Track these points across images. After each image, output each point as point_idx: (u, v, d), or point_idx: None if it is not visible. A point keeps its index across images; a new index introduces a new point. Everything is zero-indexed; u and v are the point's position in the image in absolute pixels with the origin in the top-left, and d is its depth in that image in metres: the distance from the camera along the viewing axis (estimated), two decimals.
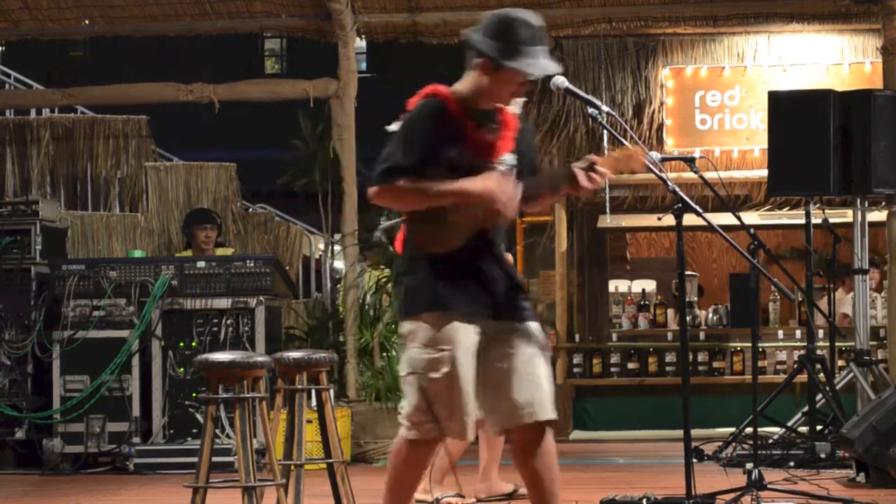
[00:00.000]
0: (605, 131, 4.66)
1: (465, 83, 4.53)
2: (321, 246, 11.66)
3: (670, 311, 12.59)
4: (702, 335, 12.25)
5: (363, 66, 25.75)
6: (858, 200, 9.63)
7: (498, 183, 4.44)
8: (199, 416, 9.08)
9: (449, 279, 4.46)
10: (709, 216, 5.37)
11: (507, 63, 4.44)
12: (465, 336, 4.45)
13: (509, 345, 4.50)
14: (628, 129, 8.39)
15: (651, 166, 4.95)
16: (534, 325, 4.57)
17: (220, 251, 10.11)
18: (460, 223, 4.46)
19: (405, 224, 4.57)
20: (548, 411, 4.51)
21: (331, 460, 5.88)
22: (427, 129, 4.45)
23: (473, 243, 4.49)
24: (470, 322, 4.46)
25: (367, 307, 10.35)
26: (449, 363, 4.42)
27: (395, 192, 4.45)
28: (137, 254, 9.94)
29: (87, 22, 11.15)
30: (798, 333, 12.03)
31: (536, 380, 4.51)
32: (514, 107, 4.62)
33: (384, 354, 10.13)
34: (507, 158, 4.51)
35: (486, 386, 4.49)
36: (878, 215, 10.67)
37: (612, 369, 12.18)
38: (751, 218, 11.70)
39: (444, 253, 4.46)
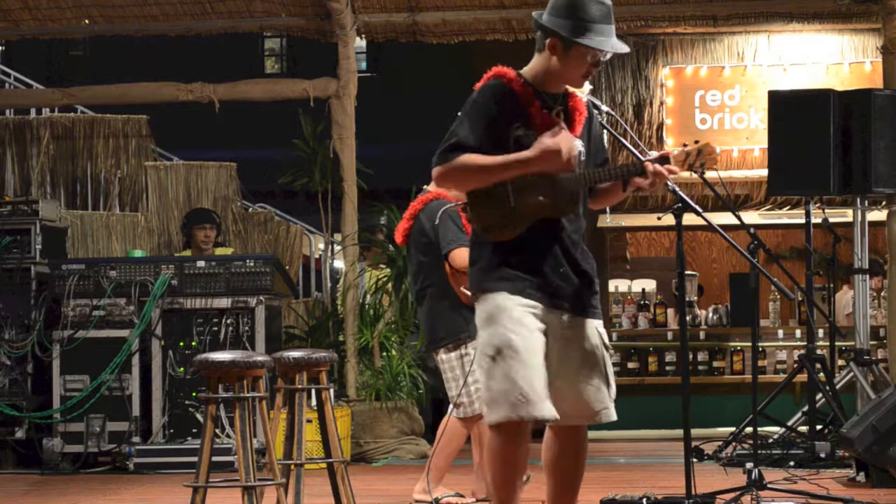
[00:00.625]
0: (605, 131, 4.63)
1: (533, 65, 4.46)
2: (321, 246, 11.66)
3: (670, 311, 12.59)
4: (702, 335, 12.25)
5: (363, 66, 25.74)
6: (858, 200, 9.63)
7: (552, 136, 4.35)
8: (199, 416, 9.08)
9: (511, 264, 4.38)
10: (709, 216, 5.37)
11: (578, 41, 4.36)
12: (524, 317, 4.36)
13: (576, 342, 4.45)
14: (628, 128, 8.37)
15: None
16: (599, 323, 4.54)
17: (219, 251, 10.12)
18: (523, 209, 4.38)
19: (468, 209, 4.47)
20: (612, 412, 4.50)
21: (331, 460, 5.89)
22: (490, 109, 4.38)
23: (540, 234, 4.41)
24: (531, 306, 4.38)
25: (367, 307, 10.35)
26: (505, 342, 4.34)
27: (458, 168, 4.36)
28: (137, 253, 9.93)
29: (87, 22, 11.15)
30: (798, 333, 12.03)
31: (604, 379, 4.49)
32: (584, 94, 4.56)
33: (384, 354, 10.13)
34: (576, 144, 4.42)
35: (552, 383, 4.42)
36: (878, 215, 10.68)
37: (613, 369, 12.16)
38: (751, 217, 11.71)
39: (509, 240, 4.39)
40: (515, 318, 4.36)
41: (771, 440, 8.97)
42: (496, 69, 4.45)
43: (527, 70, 4.46)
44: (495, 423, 4.38)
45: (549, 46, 4.40)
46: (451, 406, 6.98)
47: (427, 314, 6.94)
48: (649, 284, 13.92)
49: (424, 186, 7.14)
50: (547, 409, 4.34)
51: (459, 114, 4.42)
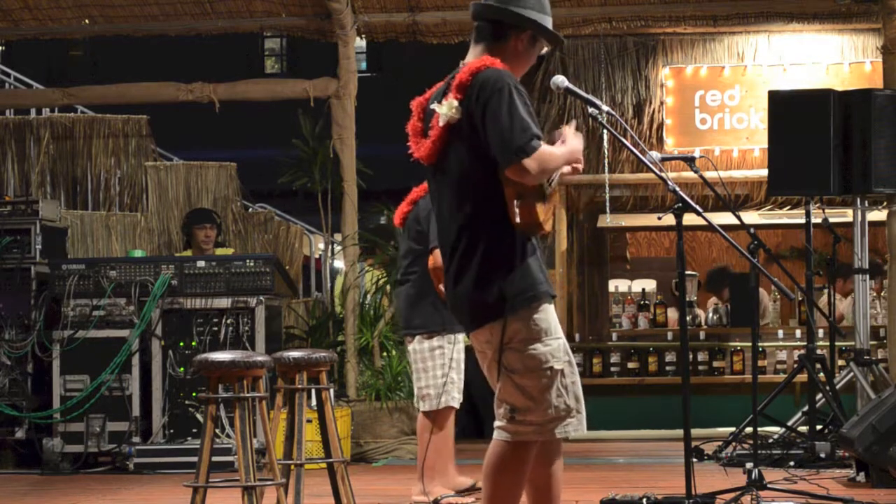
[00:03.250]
0: (605, 131, 4.60)
1: (503, 58, 4.28)
2: (321, 246, 11.65)
3: (670, 311, 12.59)
4: (702, 335, 12.25)
5: (363, 66, 25.74)
6: (858, 200, 9.63)
7: (576, 135, 4.32)
8: (199, 416, 9.08)
9: (537, 266, 4.24)
10: (709, 216, 5.37)
11: (554, 34, 4.32)
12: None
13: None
14: (628, 128, 8.36)
15: (651, 165, 4.95)
16: None
17: (220, 251, 10.11)
18: (551, 198, 4.28)
19: (520, 206, 4.16)
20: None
21: (331, 460, 5.89)
22: (525, 95, 4.21)
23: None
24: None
25: (367, 307, 10.35)
26: (565, 351, 4.26)
27: (546, 159, 4.12)
28: (137, 253, 9.93)
29: (87, 22, 11.15)
30: (798, 333, 12.03)
31: None
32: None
33: (384, 354, 10.13)
34: None
35: None
36: (878, 215, 10.67)
37: (612, 369, 12.17)
38: (751, 217, 11.70)
39: (527, 239, 4.21)
40: (560, 329, 4.29)
41: (771, 440, 8.97)
42: (487, 60, 4.24)
43: (501, 61, 4.27)
44: (556, 442, 4.30)
45: (519, 39, 4.32)
46: (420, 402, 6.97)
47: (406, 299, 6.96)
48: (649, 284, 13.93)
49: None
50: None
51: (503, 104, 4.12)
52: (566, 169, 4.30)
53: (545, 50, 4.43)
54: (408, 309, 6.96)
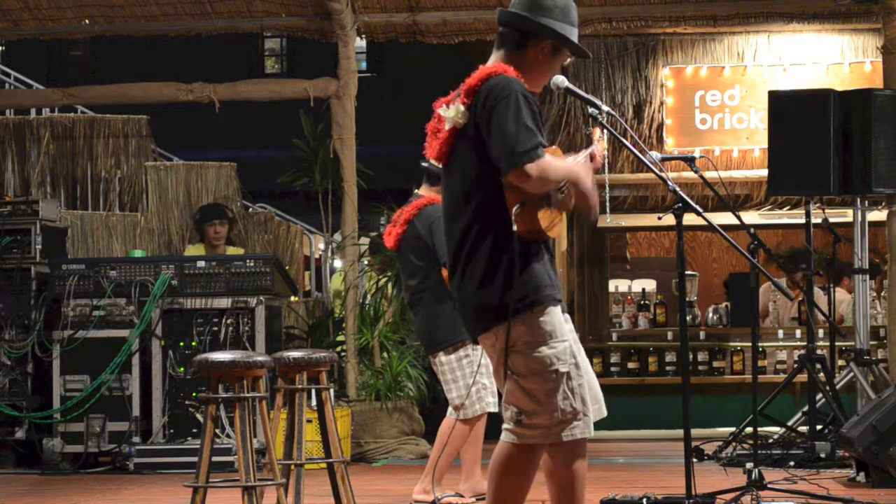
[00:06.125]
0: (605, 131, 4.60)
1: (514, 65, 4.26)
2: (321, 246, 11.65)
3: (670, 311, 12.59)
4: (702, 335, 12.25)
5: (363, 65, 25.74)
6: (858, 200, 9.63)
7: (591, 162, 4.33)
8: (199, 416, 9.08)
9: (541, 270, 4.22)
10: (709, 216, 5.37)
11: (579, 46, 4.30)
12: (566, 325, 4.29)
13: (575, 340, 4.37)
14: (628, 128, 8.37)
15: (651, 165, 4.96)
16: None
17: (231, 250, 10.16)
18: (563, 209, 4.29)
19: (521, 211, 4.17)
20: (604, 408, 4.45)
21: (331, 460, 5.89)
22: (534, 105, 4.19)
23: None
24: (563, 314, 4.29)
25: (367, 307, 10.35)
26: (571, 354, 4.24)
27: (544, 167, 4.10)
28: (137, 253, 9.93)
29: (87, 22, 11.14)
30: (798, 333, 12.03)
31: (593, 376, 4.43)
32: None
33: (384, 354, 10.13)
34: None
35: None
36: (878, 215, 10.68)
37: (612, 369, 12.17)
38: (751, 217, 11.71)
39: (533, 243, 4.21)
40: (567, 331, 4.28)
41: (771, 440, 8.97)
42: (500, 67, 4.24)
43: (515, 69, 4.26)
44: (575, 441, 4.28)
45: (539, 48, 4.31)
46: (449, 408, 6.98)
47: (424, 318, 6.94)
48: (649, 284, 13.93)
49: (416, 191, 7.14)
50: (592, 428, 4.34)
51: (509, 111, 4.12)
52: (588, 186, 4.29)
53: (568, 62, 4.42)
54: (428, 328, 6.94)
